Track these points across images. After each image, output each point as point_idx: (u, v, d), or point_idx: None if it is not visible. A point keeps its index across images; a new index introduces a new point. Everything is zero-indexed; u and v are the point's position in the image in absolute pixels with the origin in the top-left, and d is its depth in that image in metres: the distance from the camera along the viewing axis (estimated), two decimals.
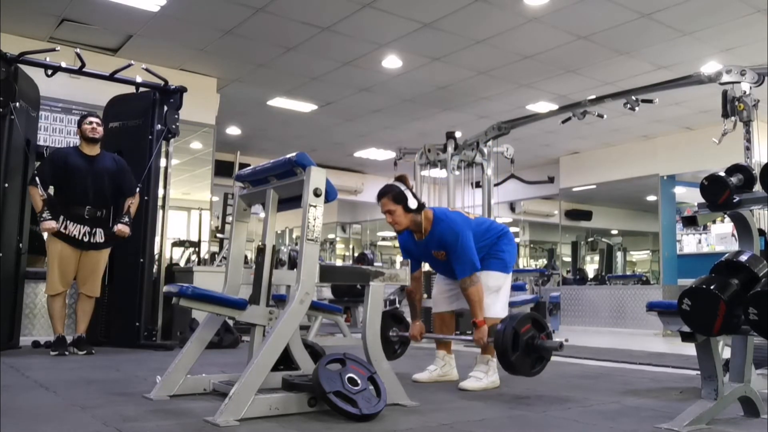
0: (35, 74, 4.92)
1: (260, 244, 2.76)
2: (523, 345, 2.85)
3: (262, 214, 2.80)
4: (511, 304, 6.17)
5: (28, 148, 4.76)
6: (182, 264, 7.17)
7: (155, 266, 5.15)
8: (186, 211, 8.60)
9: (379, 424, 2.25)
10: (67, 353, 4.28)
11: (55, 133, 6.40)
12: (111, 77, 5.16)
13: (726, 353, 2.65)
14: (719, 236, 8.87)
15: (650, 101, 5.35)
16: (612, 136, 9.46)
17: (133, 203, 4.64)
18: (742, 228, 2.59)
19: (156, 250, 5.16)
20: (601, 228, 12.45)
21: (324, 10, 5.60)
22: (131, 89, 5.37)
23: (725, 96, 4.18)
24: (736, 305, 2.03)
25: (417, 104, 8.16)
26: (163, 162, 5.29)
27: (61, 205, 4.39)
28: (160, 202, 5.24)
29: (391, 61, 6.75)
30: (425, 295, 4.35)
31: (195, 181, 8.71)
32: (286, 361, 2.62)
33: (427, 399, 2.77)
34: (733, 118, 4.13)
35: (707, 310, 2.06)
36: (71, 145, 5.13)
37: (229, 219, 7.15)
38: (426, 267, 4.09)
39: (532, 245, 14.36)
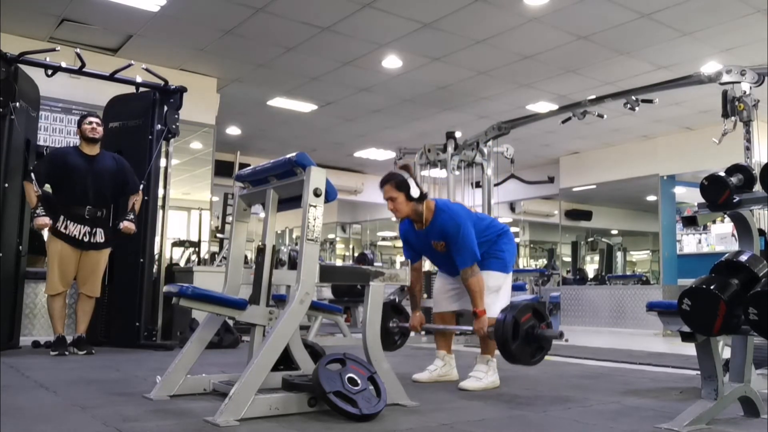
0: (35, 74, 4.92)
1: (260, 244, 2.76)
2: (523, 334, 2.86)
3: (262, 214, 2.80)
4: None
5: (28, 148, 4.75)
6: (182, 264, 7.17)
7: (155, 266, 5.15)
8: (186, 211, 8.60)
9: (379, 424, 2.25)
10: (67, 353, 4.28)
11: (55, 133, 6.40)
12: (111, 77, 5.16)
13: (726, 353, 2.65)
14: (719, 236, 8.87)
15: (650, 101, 5.35)
16: (612, 136, 9.46)
17: (137, 200, 4.66)
18: (742, 228, 2.59)
19: (156, 250, 5.16)
20: (601, 228, 12.45)
21: (324, 10, 5.61)
22: (131, 89, 5.37)
23: (725, 96, 4.18)
24: (736, 305, 2.03)
25: (417, 104, 8.16)
26: (163, 162, 5.29)
27: (62, 205, 4.40)
28: (160, 202, 5.24)
29: (391, 61, 6.75)
30: (425, 295, 4.36)
31: (195, 181, 8.71)
32: (286, 361, 2.62)
33: (427, 399, 2.77)
34: (733, 118, 4.14)
35: (707, 310, 2.06)
36: (71, 145, 5.13)
37: (229, 219, 7.14)
38: (427, 266, 4.09)
39: (532, 245, 14.36)
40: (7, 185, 4.48)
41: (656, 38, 6.02)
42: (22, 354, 4.30)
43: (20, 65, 4.70)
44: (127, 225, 4.53)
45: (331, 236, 14.41)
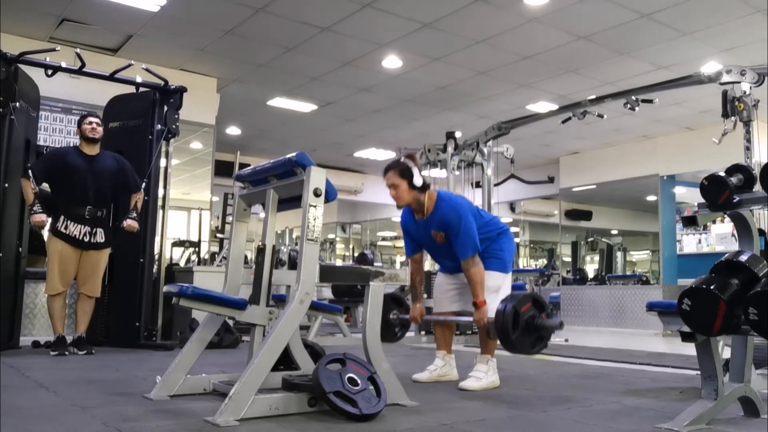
0: (35, 74, 4.92)
1: (260, 244, 2.76)
2: (523, 324, 2.86)
3: (262, 214, 2.80)
4: None
5: (28, 148, 4.76)
6: (182, 264, 7.17)
7: (155, 266, 5.15)
8: (186, 211, 8.60)
9: (379, 424, 2.25)
10: (67, 353, 4.28)
11: (55, 133, 6.40)
12: (111, 77, 5.16)
13: (726, 353, 2.65)
14: (719, 236, 8.87)
15: (650, 101, 5.35)
16: (612, 136, 9.46)
17: (139, 199, 4.67)
18: (742, 228, 2.59)
19: (156, 250, 5.16)
20: (601, 228, 12.45)
21: (324, 10, 5.61)
22: (131, 89, 5.37)
23: (725, 96, 4.18)
24: (736, 305, 2.03)
25: (417, 104, 8.16)
26: (163, 162, 5.29)
27: (62, 205, 4.40)
28: (160, 202, 5.24)
29: (391, 61, 6.75)
30: (425, 295, 4.35)
31: (195, 181, 8.71)
32: (286, 361, 2.62)
33: (427, 399, 2.77)
34: (733, 118, 4.14)
35: (707, 310, 2.06)
36: (71, 145, 5.13)
37: (229, 219, 7.14)
38: (427, 266, 4.09)
39: (532, 245, 14.37)
40: (7, 185, 4.48)
41: (656, 38, 6.02)
42: (22, 354, 4.30)
43: (20, 65, 4.70)
44: (131, 223, 4.55)
45: (331, 236, 14.41)
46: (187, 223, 8.50)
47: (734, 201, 2.46)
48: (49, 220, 4.30)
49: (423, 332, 6.22)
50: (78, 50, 4.94)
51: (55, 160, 4.54)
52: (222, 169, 8.31)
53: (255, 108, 8.48)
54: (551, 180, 9.33)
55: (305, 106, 8.35)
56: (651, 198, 10.10)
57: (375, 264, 9.36)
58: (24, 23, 5.96)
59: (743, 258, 2.17)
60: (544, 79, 7.17)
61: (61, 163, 4.43)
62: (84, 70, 4.96)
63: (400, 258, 15.80)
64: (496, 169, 7.00)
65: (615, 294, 9.38)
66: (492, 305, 3.23)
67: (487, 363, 3.23)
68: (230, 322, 4.96)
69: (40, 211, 4.23)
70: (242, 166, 6.97)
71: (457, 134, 7.01)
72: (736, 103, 4.11)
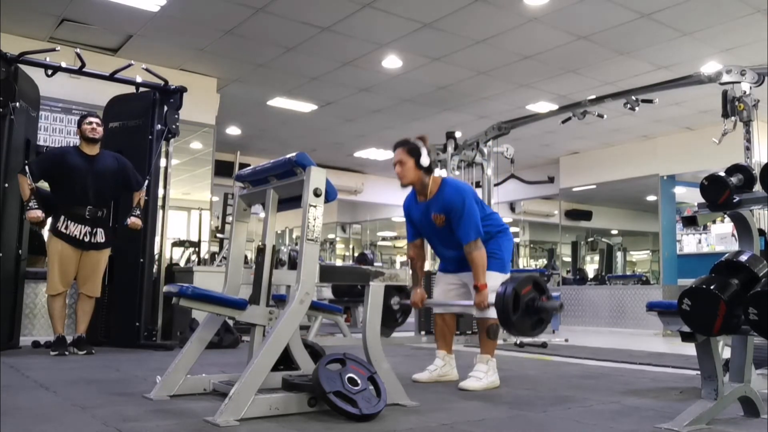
0: (35, 74, 4.92)
1: (260, 244, 2.76)
2: (523, 306, 2.86)
3: (262, 214, 2.80)
4: None
5: (28, 148, 4.76)
6: (182, 264, 7.17)
7: (155, 266, 5.15)
8: (186, 211, 8.60)
9: (379, 424, 2.25)
10: (67, 353, 4.28)
11: (55, 133, 6.40)
12: (111, 77, 5.16)
13: (726, 353, 2.65)
14: (719, 236, 8.87)
15: (650, 101, 5.35)
16: (612, 136, 9.46)
17: (141, 196, 4.70)
18: (742, 228, 2.59)
19: (156, 250, 5.16)
20: (601, 228, 12.45)
21: (324, 10, 5.61)
22: (131, 89, 5.37)
23: (725, 96, 4.18)
24: (736, 305, 2.03)
25: (417, 104, 8.16)
26: (163, 162, 5.30)
27: (62, 205, 4.40)
28: (160, 202, 5.24)
29: (391, 61, 6.75)
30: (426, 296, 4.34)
31: (195, 181, 8.71)
32: (286, 361, 2.62)
33: (427, 399, 2.77)
34: (733, 118, 4.14)
35: (707, 310, 2.06)
36: (71, 145, 5.13)
37: (229, 219, 7.15)
38: (427, 266, 4.09)
39: (532, 245, 14.36)
40: (7, 185, 4.48)
41: (656, 38, 6.02)
42: (22, 354, 4.30)
43: (20, 65, 4.71)
44: (134, 221, 4.57)
45: (331, 236, 14.41)
46: (187, 223, 8.50)
47: (734, 201, 2.46)
48: (44, 216, 4.29)
49: (423, 332, 6.23)
50: (78, 50, 4.94)
51: (54, 158, 4.54)
52: (222, 169, 8.31)
53: (255, 108, 8.48)
54: (551, 180, 9.33)
55: (305, 106, 8.35)
56: (651, 198, 10.10)
57: (375, 264, 9.36)
58: (24, 23, 5.96)
59: (743, 258, 2.17)
60: (544, 79, 7.17)
61: (60, 163, 4.43)
62: (84, 70, 4.96)
63: (400, 258, 15.81)
64: (496, 169, 7.00)
65: (615, 294, 9.38)
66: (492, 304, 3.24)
67: (487, 363, 3.23)
68: (230, 322, 4.96)
69: (36, 207, 4.23)
70: (242, 166, 6.98)
71: (457, 134, 7.01)
72: (736, 103, 4.12)
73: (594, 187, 10.41)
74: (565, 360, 4.84)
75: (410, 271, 3.54)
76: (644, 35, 5.96)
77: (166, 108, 5.19)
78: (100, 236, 4.46)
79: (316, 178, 2.48)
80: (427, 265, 5.56)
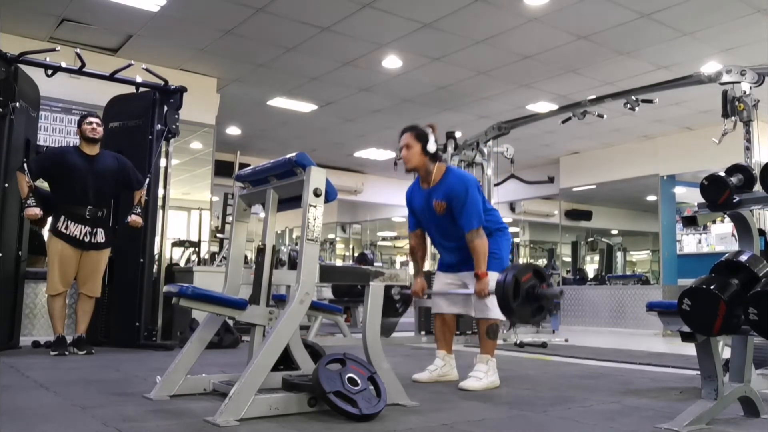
0: (35, 74, 4.92)
1: (260, 244, 2.76)
2: (524, 293, 2.87)
3: (262, 214, 2.80)
4: None
5: (28, 148, 4.75)
6: (182, 264, 7.17)
7: (155, 266, 5.15)
8: (186, 211, 8.60)
9: (379, 424, 2.25)
10: (67, 353, 4.28)
11: (55, 133, 6.40)
12: (111, 77, 5.16)
13: (726, 353, 2.65)
14: (719, 236, 8.87)
15: (650, 101, 5.35)
16: (612, 136, 9.46)
17: (142, 195, 4.71)
18: (742, 228, 2.59)
19: (156, 250, 5.16)
20: (601, 228, 12.45)
21: (324, 10, 5.61)
22: (131, 89, 5.37)
23: (725, 96, 4.18)
24: (736, 305, 2.03)
25: (417, 104, 8.16)
26: (163, 162, 5.30)
27: (62, 205, 4.40)
28: (160, 202, 5.24)
29: (391, 61, 6.75)
30: (426, 296, 4.34)
31: (195, 181, 8.71)
32: (286, 361, 2.62)
33: (427, 399, 2.77)
34: (733, 118, 4.14)
35: (707, 310, 2.06)
36: (71, 145, 5.13)
37: (229, 219, 7.15)
38: (427, 266, 4.09)
39: (532, 245, 14.36)
40: (7, 185, 4.48)
41: (656, 38, 6.02)
42: (22, 354, 4.30)
43: (20, 65, 4.71)
44: (135, 218, 4.59)
45: (331, 236, 14.41)
46: (187, 223, 8.50)
47: (734, 201, 2.46)
48: (42, 213, 4.28)
49: (423, 332, 6.23)
50: (78, 50, 4.94)
51: (53, 158, 4.55)
52: (222, 169, 8.31)
53: (255, 108, 8.48)
54: (551, 180, 9.31)
55: (305, 106, 8.35)
56: (651, 198, 10.10)
57: (375, 264, 9.36)
58: (24, 23, 5.96)
59: (743, 258, 2.17)
60: (544, 79, 7.17)
61: (60, 162, 4.43)
62: (84, 70, 4.96)
63: (400, 258, 15.82)
64: (496, 169, 7.00)
65: (615, 294, 9.38)
66: (491, 304, 3.24)
67: (487, 363, 3.23)
68: (230, 322, 4.96)
69: (34, 204, 4.24)
70: (242, 166, 6.98)
71: (457, 134, 7.00)
72: (736, 103, 4.12)
73: (594, 187, 10.41)
74: (565, 360, 4.84)
75: (411, 262, 3.57)
76: (644, 35, 5.96)
77: (166, 108, 5.19)
78: (100, 236, 4.46)
79: (316, 178, 2.48)
80: (427, 265, 5.56)
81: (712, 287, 2.07)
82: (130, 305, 4.96)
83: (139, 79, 5.28)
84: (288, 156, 2.57)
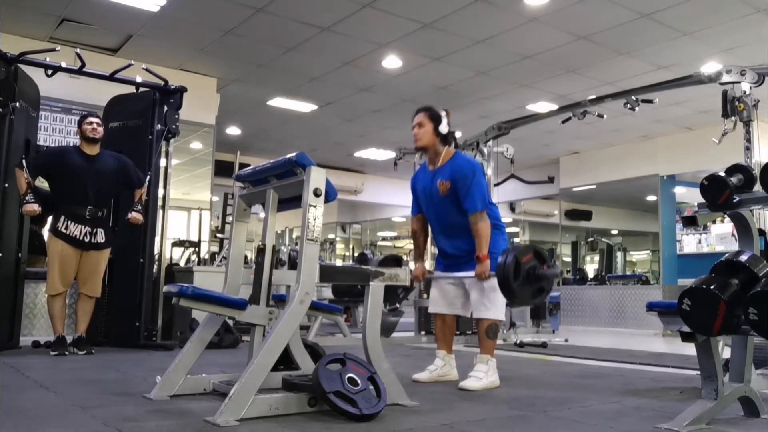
0: (35, 74, 4.92)
1: (260, 244, 2.76)
2: (524, 274, 2.88)
3: (262, 214, 2.80)
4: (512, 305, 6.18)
5: (28, 148, 4.75)
6: (182, 264, 7.17)
7: (155, 266, 5.15)
8: (186, 211, 8.60)
9: (379, 424, 2.25)
10: (67, 353, 4.28)
11: (55, 133, 6.40)
12: (111, 77, 5.16)
13: (726, 353, 2.65)
14: (719, 236, 8.87)
15: (650, 101, 5.35)
16: (612, 136, 9.45)
17: (143, 193, 4.72)
18: (742, 228, 2.59)
19: (156, 250, 5.16)
20: (601, 228, 12.45)
21: (324, 10, 5.61)
22: (131, 89, 5.37)
23: (725, 96, 4.18)
24: (736, 305, 2.03)
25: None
26: (163, 162, 5.29)
27: (62, 206, 4.40)
28: (160, 202, 5.24)
29: (391, 61, 6.75)
30: (425, 295, 4.35)
31: (195, 181, 8.71)
32: (286, 361, 2.62)
33: (427, 399, 2.77)
34: (733, 118, 4.14)
35: (707, 310, 2.06)
36: (72, 145, 5.13)
37: (229, 219, 7.14)
38: (426, 265, 4.08)
39: None
40: (7, 185, 4.48)
41: (656, 38, 6.02)
42: (22, 354, 4.30)
43: (20, 65, 4.70)
44: (135, 216, 4.59)
45: (331, 236, 14.42)
46: (187, 223, 8.50)
47: (734, 201, 2.46)
48: (40, 210, 4.28)
49: (423, 332, 6.23)
50: (78, 50, 4.94)
51: (53, 156, 4.56)
52: (222, 169, 8.31)
53: (255, 108, 8.47)
54: (551, 180, 9.33)
55: (305, 106, 8.35)
56: (651, 198, 10.10)
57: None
58: (24, 23, 5.96)
59: (743, 258, 2.17)
60: (544, 79, 7.17)
61: (60, 162, 4.44)
62: (84, 70, 4.96)
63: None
64: (496, 169, 7.00)
65: (615, 294, 9.38)
66: (490, 303, 3.24)
67: (487, 363, 3.23)
68: (230, 322, 4.96)
69: (32, 200, 4.24)
70: (242, 166, 6.98)
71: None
72: (736, 103, 4.12)
73: (594, 187, 10.40)
74: (565, 360, 4.84)
75: (413, 245, 3.62)
76: (644, 35, 5.96)
77: (166, 108, 5.19)
78: (100, 236, 4.46)
79: (316, 178, 2.48)
80: (427, 265, 5.56)
81: (712, 287, 2.07)
82: (130, 305, 4.96)
83: (139, 79, 5.28)
84: (288, 156, 2.57)
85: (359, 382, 2.35)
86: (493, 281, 3.24)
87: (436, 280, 3.52)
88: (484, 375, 3.18)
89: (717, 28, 5.78)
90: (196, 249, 7.55)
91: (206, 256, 7.52)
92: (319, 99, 8.07)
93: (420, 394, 2.83)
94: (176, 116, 5.21)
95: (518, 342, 5.83)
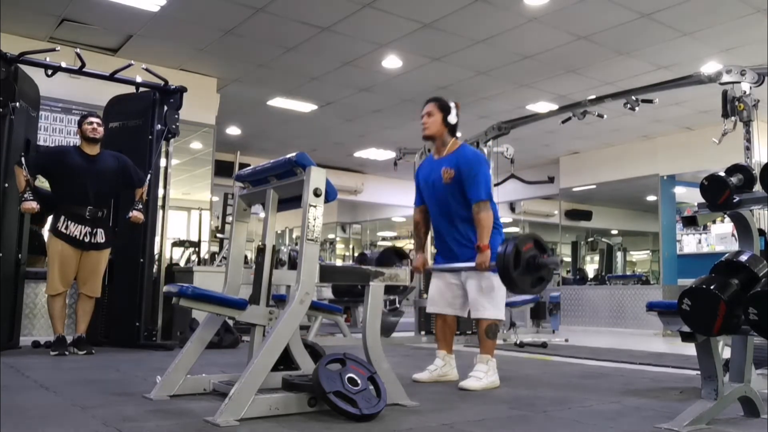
0: (35, 74, 4.92)
1: (260, 244, 2.76)
2: (524, 263, 2.88)
3: (262, 214, 2.80)
4: (512, 305, 6.22)
5: (28, 148, 4.75)
6: (182, 264, 7.17)
7: (155, 266, 5.15)
8: (186, 211, 8.60)
9: (379, 424, 2.25)
10: (67, 353, 4.28)
11: (55, 133, 6.40)
12: (111, 77, 5.16)
13: (726, 353, 2.66)
14: (719, 236, 8.87)
15: (650, 101, 5.35)
16: (612, 136, 9.45)
17: (143, 192, 4.73)
18: (742, 228, 2.59)
19: (156, 250, 5.16)
20: (601, 228, 12.44)
21: (324, 10, 5.61)
22: (131, 89, 5.37)
23: (725, 96, 4.18)
24: (736, 305, 2.03)
25: (417, 104, 8.05)
26: (163, 162, 5.30)
27: (62, 206, 4.40)
28: (160, 202, 5.24)
29: (391, 61, 6.75)
30: (424, 295, 4.35)
31: (195, 181, 8.71)
32: (286, 361, 2.62)
33: (427, 399, 2.77)
34: (733, 118, 4.14)
35: (707, 310, 2.06)
36: (72, 144, 5.13)
37: (229, 219, 7.14)
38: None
39: None
40: (7, 185, 4.48)
41: (656, 38, 6.02)
42: (22, 354, 4.30)
43: (20, 65, 4.70)
44: (136, 214, 4.59)
45: (331, 236, 14.41)
46: (187, 223, 8.50)
47: (734, 201, 2.46)
48: (39, 207, 4.27)
49: (423, 332, 6.23)
50: (78, 50, 4.94)
51: (53, 155, 4.56)
52: (222, 169, 8.31)
53: (255, 108, 8.47)
54: (551, 180, 9.32)
55: (305, 106, 8.35)
56: (651, 198, 10.09)
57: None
58: (24, 23, 5.96)
59: (743, 258, 2.17)
60: (544, 79, 7.17)
61: (59, 161, 4.44)
62: (84, 70, 4.96)
63: None
64: (496, 169, 6.99)
65: (615, 294, 9.38)
66: (489, 303, 3.24)
67: (487, 363, 3.23)
68: (230, 322, 4.96)
69: (31, 198, 4.24)
70: (242, 166, 6.98)
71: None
72: (736, 103, 4.11)
73: (594, 187, 10.40)
74: (565, 360, 4.84)
75: (414, 235, 3.63)
76: (644, 35, 5.96)
77: (166, 108, 5.19)
78: (100, 236, 4.46)
79: (316, 178, 2.48)
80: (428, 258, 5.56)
81: (712, 287, 2.07)
82: (130, 305, 4.96)
83: (139, 79, 5.28)
84: (288, 156, 2.57)
85: (359, 382, 2.35)
86: (492, 280, 3.25)
87: (436, 278, 3.51)
88: (484, 375, 3.18)
89: (717, 28, 5.78)
90: (196, 249, 7.55)
91: (206, 256, 7.52)
92: (319, 99, 8.07)
93: (420, 394, 2.83)
94: (176, 116, 5.21)
95: (518, 342, 5.83)
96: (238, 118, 8.99)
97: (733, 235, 6.88)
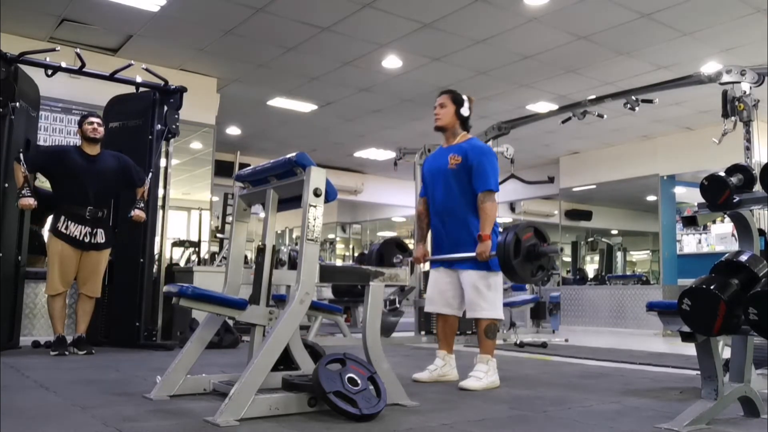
0: (35, 74, 4.92)
1: (260, 244, 2.76)
2: (524, 251, 2.89)
3: (262, 214, 2.80)
4: (512, 304, 6.21)
5: (28, 148, 4.75)
6: (182, 264, 7.17)
7: (155, 266, 5.15)
8: (186, 211, 8.60)
9: (379, 424, 2.25)
10: (67, 353, 4.28)
11: (55, 133, 6.40)
12: (111, 77, 5.16)
13: (726, 353, 2.66)
14: (719, 236, 8.87)
15: (650, 101, 5.34)
16: (612, 136, 9.45)
17: (145, 191, 4.72)
18: (742, 228, 2.59)
19: (156, 250, 5.16)
20: (601, 228, 12.45)
21: (324, 10, 5.61)
22: (131, 89, 5.37)
23: (725, 96, 4.17)
24: (736, 305, 2.03)
25: (417, 104, 8.16)
26: (163, 162, 5.30)
27: (62, 206, 4.40)
28: (160, 202, 5.24)
29: (391, 61, 6.75)
30: (424, 295, 4.33)
31: (195, 181, 8.71)
32: (286, 361, 2.62)
33: (427, 399, 2.77)
34: (733, 118, 4.13)
35: (707, 310, 2.06)
36: (72, 144, 5.13)
37: (229, 219, 7.14)
38: (426, 265, 4.08)
39: None
40: (7, 185, 4.48)
41: (656, 38, 6.02)
42: (22, 354, 4.30)
43: (20, 65, 4.70)
44: (138, 213, 4.60)
45: (331, 236, 14.41)
46: (187, 223, 8.50)
47: (734, 201, 2.46)
48: (36, 204, 4.27)
49: (423, 332, 6.22)
50: (78, 50, 4.94)
51: (53, 154, 4.56)
52: (222, 169, 8.31)
53: (255, 108, 8.48)
54: (551, 180, 9.32)
55: (305, 106, 8.35)
56: (651, 198, 10.10)
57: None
58: (24, 23, 5.96)
59: (743, 258, 2.17)
60: (544, 79, 7.17)
61: (59, 161, 4.44)
62: (84, 70, 4.96)
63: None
64: None
65: (615, 294, 9.38)
66: (487, 303, 3.24)
67: (487, 363, 3.23)
68: (230, 322, 4.96)
69: (29, 194, 4.24)
70: (242, 166, 6.98)
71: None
72: (736, 103, 4.11)
73: (594, 187, 10.41)
74: (565, 360, 4.84)
75: (417, 226, 3.65)
76: (644, 35, 5.96)
77: (166, 108, 5.19)
78: (100, 236, 4.46)
79: (316, 178, 2.48)
80: (426, 265, 5.56)
81: (712, 287, 2.07)
82: (130, 305, 4.96)
83: (139, 79, 5.28)
84: (288, 156, 2.57)
85: (359, 382, 2.35)
86: (488, 279, 3.25)
87: (433, 277, 3.51)
88: (484, 375, 3.18)
89: (717, 28, 5.78)
90: (196, 249, 7.55)
91: (206, 256, 7.52)
92: (319, 99, 8.07)
93: (420, 394, 2.83)
94: (176, 116, 5.21)
95: (518, 342, 5.83)
96: (238, 118, 8.99)
97: (733, 235, 6.88)
